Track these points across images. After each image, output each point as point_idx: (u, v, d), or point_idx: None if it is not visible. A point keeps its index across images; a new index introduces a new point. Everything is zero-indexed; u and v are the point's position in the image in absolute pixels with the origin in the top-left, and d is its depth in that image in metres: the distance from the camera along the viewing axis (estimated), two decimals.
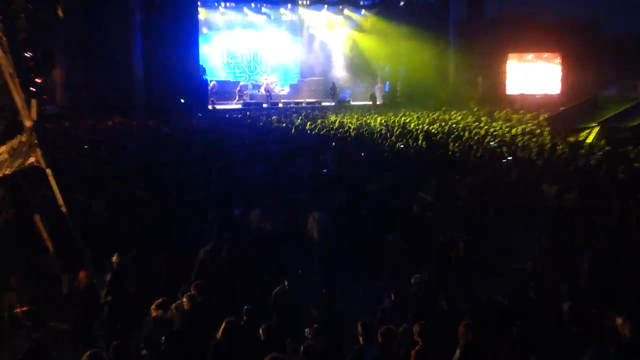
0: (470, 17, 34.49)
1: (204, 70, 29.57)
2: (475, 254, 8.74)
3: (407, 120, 21.85)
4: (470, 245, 8.60)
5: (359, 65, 35.79)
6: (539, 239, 8.68)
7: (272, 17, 35.75)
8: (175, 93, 25.96)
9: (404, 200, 10.12)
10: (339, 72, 36.08)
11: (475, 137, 17.24)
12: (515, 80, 33.35)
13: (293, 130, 19.41)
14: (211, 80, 31.85)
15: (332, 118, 23.42)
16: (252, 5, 34.33)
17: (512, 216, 10.40)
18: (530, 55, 32.84)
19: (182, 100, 26.11)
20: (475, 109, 26.85)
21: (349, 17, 35.90)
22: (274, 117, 22.15)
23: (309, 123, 20.85)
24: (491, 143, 16.26)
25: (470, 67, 33.39)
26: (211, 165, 13.29)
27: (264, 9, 34.91)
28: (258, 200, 9.98)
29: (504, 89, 33.20)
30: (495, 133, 18.23)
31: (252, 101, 32.03)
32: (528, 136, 17.56)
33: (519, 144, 16.06)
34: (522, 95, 31.75)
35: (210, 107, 28.59)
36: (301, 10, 35.59)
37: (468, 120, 22.59)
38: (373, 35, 34.19)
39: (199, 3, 29.61)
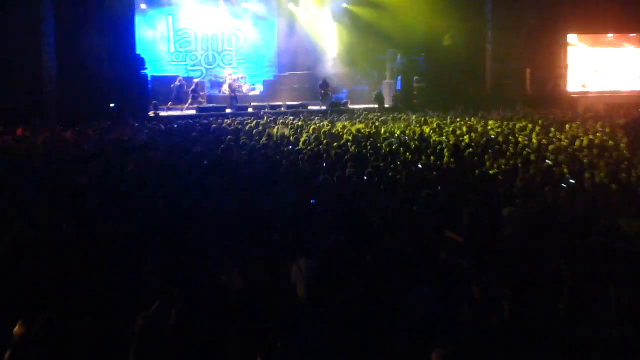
0: None
1: (142, 61, 29.84)
2: (526, 316, 8.76)
3: (428, 131, 22.08)
4: (519, 304, 8.63)
5: (360, 55, 36.25)
6: (617, 295, 8.70)
7: None
8: (102, 95, 26.12)
9: (425, 242, 10.17)
10: (332, 65, 36.40)
11: (525, 153, 17.42)
12: (579, 72, 33.78)
13: (264, 139, 19.59)
14: (177, 77, 32.06)
15: (326, 127, 23.61)
16: None
17: (577, 263, 10.44)
18: (609, 36, 32.86)
19: (112, 105, 26.25)
20: (521, 114, 27.13)
21: None
22: (243, 137, 21.88)
23: (290, 131, 21.02)
24: (547, 161, 16.46)
25: (516, 54, 33.78)
26: (153, 194, 13.29)
27: None
28: (220, 242, 9.97)
29: (564, 85, 33.66)
30: (552, 147, 18.45)
31: (211, 105, 32.39)
32: (597, 151, 17.77)
33: (585, 162, 16.25)
34: (590, 94, 32.07)
35: (151, 113, 28.81)
36: None
37: (513, 127, 22.88)
38: (379, 11, 34.64)
39: None
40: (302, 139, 20.46)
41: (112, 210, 12.01)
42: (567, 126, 23.55)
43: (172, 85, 34.09)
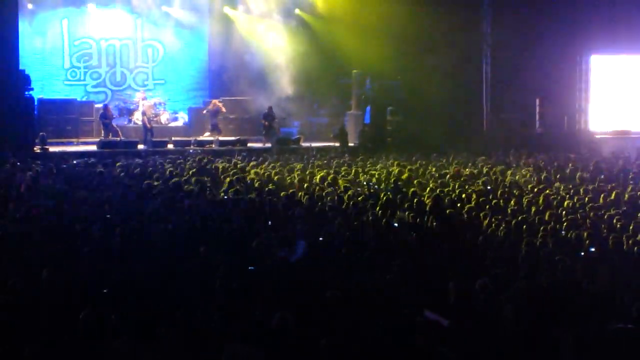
0: None
1: (27, 79, 29.68)
2: None
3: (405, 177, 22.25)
4: None
5: (318, 77, 36.15)
6: None
7: None
8: None
9: (398, 325, 10.25)
10: (280, 88, 36.30)
11: (533, 212, 17.64)
12: (605, 105, 33.72)
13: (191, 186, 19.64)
14: (105, 104, 31.86)
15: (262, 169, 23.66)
16: None
17: (601, 356, 10.55)
18: None
19: None
20: (529, 161, 27.24)
21: None
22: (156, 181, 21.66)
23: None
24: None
25: (522, 80, 34.07)
26: (36, 255, 13.26)
27: None
28: (125, 322, 9.96)
29: (584, 121, 33.64)
30: (568, 202, 18.72)
31: (118, 139, 32.23)
32: (627, 210, 18.06)
33: (607, 221, 16.53)
34: (620, 132, 32.13)
35: (37, 148, 28.63)
36: None
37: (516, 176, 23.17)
38: (342, 21, 34.73)
39: None
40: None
41: None
42: (587, 176, 23.85)
43: (204, 112, 34.37)
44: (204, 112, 35.44)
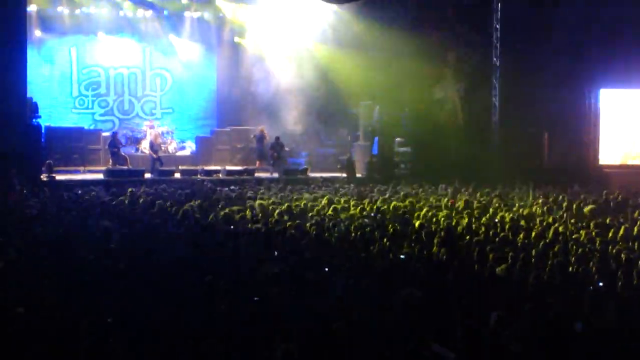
0: (530, 17, 35.10)
1: (34, 107, 29.84)
2: None
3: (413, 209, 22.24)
4: None
5: (326, 107, 36.26)
6: None
7: (165, 13, 36.38)
8: None
9: (404, 356, 10.23)
10: (289, 120, 36.41)
11: (541, 245, 17.61)
12: (615, 138, 33.74)
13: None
14: (113, 133, 31.92)
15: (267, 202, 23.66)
16: None
17: None
18: None
19: None
20: (538, 194, 27.19)
21: (306, 14, 36.74)
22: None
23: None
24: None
25: (531, 113, 34.01)
26: (41, 283, 13.27)
27: None
28: (132, 351, 9.95)
29: (594, 155, 33.67)
30: (576, 236, 18.71)
31: (126, 167, 32.29)
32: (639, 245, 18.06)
33: (615, 256, 16.51)
34: (630, 166, 32.06)
35: (44, 176, 28.69)
36: (221, 4, 36.04)
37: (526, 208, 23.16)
38: (351, 52, 34.93)
39: None
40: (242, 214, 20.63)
41: None
42: (595, 209, 23.82)
43: (252, 136, 34.66)
44: (252, 136, 35.63)
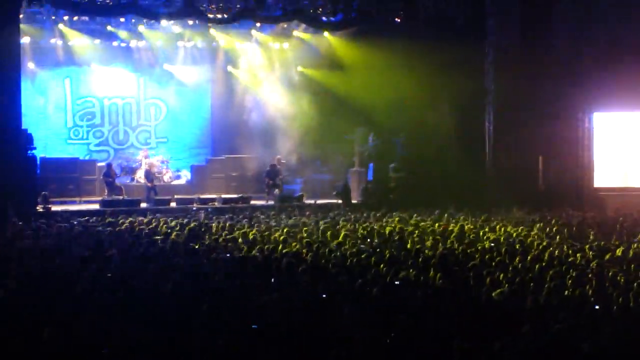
0: (523, 41, 35.32)
1: (29, 139, 29.82)
2: None
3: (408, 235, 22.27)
4: None
5: (321, 134, 36.27)
6: None
7: (160, 43, 36.39)
8: None
9: None
10: (284, 146, 36.49)
11: (537, 269, 17.64)
12: (609, 162, 33.82)
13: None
14: (108, 163, 31.95)
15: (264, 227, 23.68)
16: (122, 20, 34.22)
17: None
18: None
19: None
20: (533, 218, 27.27)
21: (299, 41, 36.47)
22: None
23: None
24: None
25: (524, 137, 34.11)
26: (37, 314, 13.27)
27: (142, 28, 34.81)
28: None
29: (588, 178, 33.71)
30: (572, 259, 18.74)
31: (121, 197, 32.31)
32: (635, 267, 18.07)
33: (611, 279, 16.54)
34: (624, 189, 32.07)
35: (39, 207, 28.67)
36: (215, 33, 36.06)
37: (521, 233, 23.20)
38: (345, 78, 35.02)
39: (20, 15, 29.80)
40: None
41: None
42: (591, 232, 23.83)
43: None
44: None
